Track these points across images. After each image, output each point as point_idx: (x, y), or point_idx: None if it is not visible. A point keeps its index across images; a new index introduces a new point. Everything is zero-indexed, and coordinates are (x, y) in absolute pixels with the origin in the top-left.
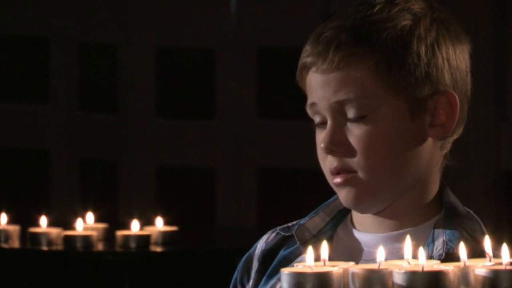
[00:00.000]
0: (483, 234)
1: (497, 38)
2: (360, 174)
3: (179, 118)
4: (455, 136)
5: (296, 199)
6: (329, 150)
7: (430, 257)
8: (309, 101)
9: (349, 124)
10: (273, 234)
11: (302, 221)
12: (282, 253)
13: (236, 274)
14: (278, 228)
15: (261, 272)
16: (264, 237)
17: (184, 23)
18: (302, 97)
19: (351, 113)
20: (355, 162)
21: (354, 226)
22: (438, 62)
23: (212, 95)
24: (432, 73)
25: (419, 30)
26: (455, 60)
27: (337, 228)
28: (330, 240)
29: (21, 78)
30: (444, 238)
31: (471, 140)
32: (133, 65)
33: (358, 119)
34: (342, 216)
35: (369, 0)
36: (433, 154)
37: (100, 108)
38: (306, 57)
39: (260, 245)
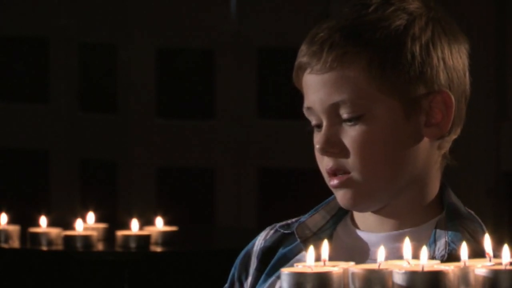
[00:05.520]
0: (484, 235)
1: (498, 38)
2: (355, 174)
3: (179, 118)
4: (453, 136)
5: (296, 199)
6: (325, 151)
7: (432, 257)
8: (305, 104)
9: (344, 125)
10: (272, 231)
11: (302, 218)
12: (281, 251)
13: (234, 271)
14: (277, 225)
15: (260, 270)
16: (263, 234)
17: (184, 23)
18: (301, 97)
19: (345, 114)
20: (350, 163)
21: (354, 225)
22: (433, 62)
23: (212, 95)
24: (427, 73)
25: (414, 29)
26: (451, 59)
27: (337, 226)
28: (329, 238)
29: (21, 78)
30: (446, 239)
31: (471, 140)
32: (133, 65)
33: (353, 120)
34: (342, 214)
35: (365, 0)
36: (430, 153)
37: (100, 108)
38: (301, 57)
39: (259, 242)
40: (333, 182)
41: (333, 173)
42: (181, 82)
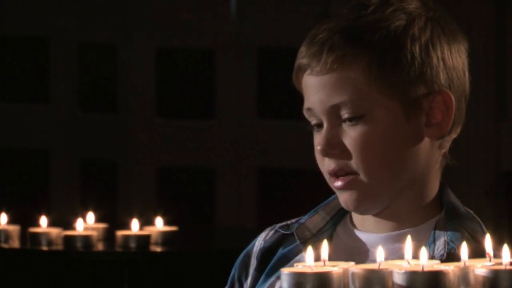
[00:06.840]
0: (484, 235)
1: (498, 38)
2: (361, 175)
3: (179, 118)
4: (454, 135)
5: (296, 199)
6: (326, 152)
7: (431, 257)
8: (305, 105)
9: (344, 126)
10: (272, 232)
11: (302, 219)
12: (281, 251)
13: (234, 271)
14: (277, 225)
15: (259, 270)
16: (262, 235)
17: (184, 23)
18: (301, 97)
19: (346, 115)
20: (353, 164)
21: (354, 226)
22: (433, 62)
23: (212, 95)
24: (427, 73)
25: (413, 30)
26: (451, 59)
27: (336, 227)
28: (329, 239)
29: (21, 78)
30: (446, 239)
31: (471, 140)
32: (133, 65)
33: (353, 121)
34: (341, 215)
35: (364, 1)
36: (430, 153)
37: (100, 108)
38: (301, 59)
39: (258, 242)
40: (337, 183)
41: (335, 174)
42: (181, 82)
